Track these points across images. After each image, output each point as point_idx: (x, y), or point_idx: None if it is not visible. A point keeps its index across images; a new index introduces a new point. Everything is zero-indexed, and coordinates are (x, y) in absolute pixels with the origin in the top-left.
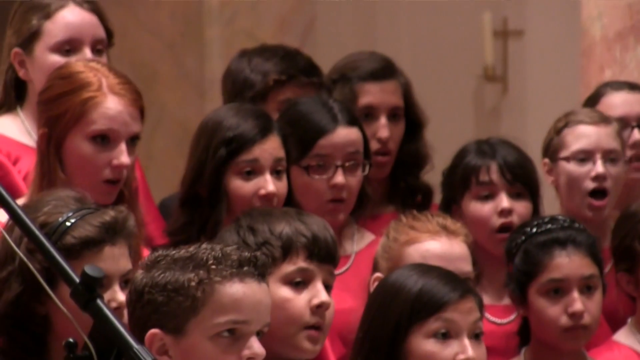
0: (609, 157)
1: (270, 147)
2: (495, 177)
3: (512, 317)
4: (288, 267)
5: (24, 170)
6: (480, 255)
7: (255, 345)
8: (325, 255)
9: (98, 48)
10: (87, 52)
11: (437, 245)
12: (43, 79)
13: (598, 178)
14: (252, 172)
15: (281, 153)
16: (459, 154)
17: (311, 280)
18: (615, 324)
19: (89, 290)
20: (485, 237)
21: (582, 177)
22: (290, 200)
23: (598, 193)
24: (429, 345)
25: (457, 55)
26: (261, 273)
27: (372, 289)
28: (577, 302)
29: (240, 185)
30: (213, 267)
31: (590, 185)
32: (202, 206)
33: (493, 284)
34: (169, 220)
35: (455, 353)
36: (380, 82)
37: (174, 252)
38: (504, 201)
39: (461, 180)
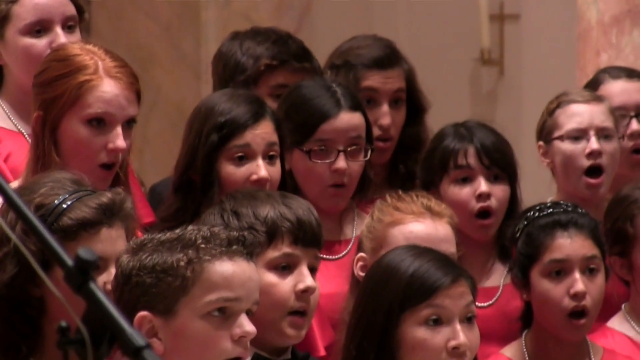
0: (603, 134)
1: (263, 132)
2: (473, 161)
3: (492, 300)
4: (273, 253)
5: (5, 153)
6: (460, 238)
7: (246, 323)
8: (310, 239)
9: (69, 25)
10: (58, 31)
11: (421, 227)
12: (17, 62)
13: (593, 154)
14: (244, 157)
15: (274, 138)
16: (436, 138)
17: (296, 265)
18: (609, 309)
19: (82, 274)
20: (464, 221)
21: (577, 155)
22: (285, 184)
23: (594, 171)
24: (421, 333)
25: (454, 38)
26: (249, 252)
27: (356, 269)
28: (579, 282)
29: (232, 171)
30: (202, 246)
31: (585, 162)
32: (195, 192)
33: (472, 267)
34: (159, 205)
35: (447, 339)
36: (384, 71)
37: (159, 235)
38: (482, 185)
39: (439, 164)
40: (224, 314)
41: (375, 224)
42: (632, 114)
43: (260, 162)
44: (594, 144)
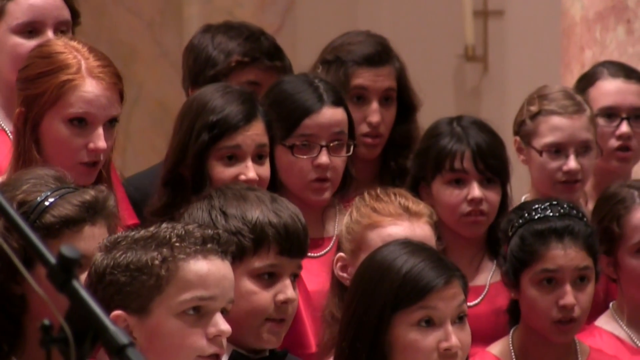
0: (582, 148)
1: (253, 134)
2: (468, 166)
3: (479, 299)
4: (258, 263)
5: None
6: (448, 236)
7: (221, 322)
8: (296, 250)
9: (61, 29)
10: (50, 35)
11: (399, 229)
12: (4, 59)
13: (570, 172)
14: (234, 157)
15: (264, 139)
16: (431, 134)
17: (280, 276)
18: (595, 306)
19: (65, 271)
20: (453, 220)
21: (554, 170)
22: (274, 180)
23: (569, 182)
24: (412, 334)
25: (438, 35)
26: (224, 250)
27: (335, 269)
28: (569, 295)
29: (221, 171)
30: (177, 244)
31: (561, 177)
32: (184, 187)
33: (460, 264)
34: (135, 201)
35: (438, 341)
36: (374, 68)
37: (133, 232)
38: (476, 190)
39: (434, 163)
40: (199, 312)
41: (354, 225)
42: (624, 115)
43: (249, 163)
44: (572, 162)
